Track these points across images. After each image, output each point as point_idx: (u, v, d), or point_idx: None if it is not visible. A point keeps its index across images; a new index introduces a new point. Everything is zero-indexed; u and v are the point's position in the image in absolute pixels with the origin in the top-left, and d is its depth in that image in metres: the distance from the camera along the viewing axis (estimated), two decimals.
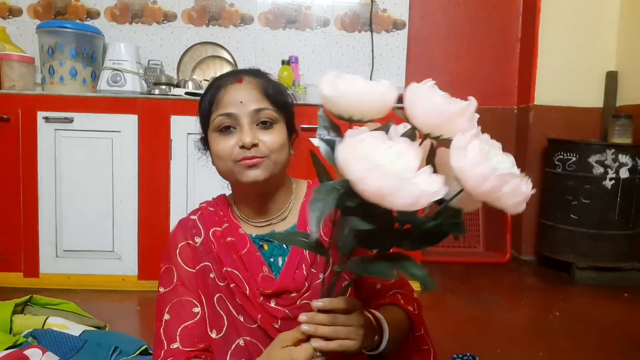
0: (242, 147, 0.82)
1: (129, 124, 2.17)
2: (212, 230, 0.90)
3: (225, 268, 0.87)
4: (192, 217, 0.94)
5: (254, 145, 0.82)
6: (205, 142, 0.91)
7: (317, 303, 0.70)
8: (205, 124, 0.89)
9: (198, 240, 0.90)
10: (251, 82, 0.86)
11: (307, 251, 0.87)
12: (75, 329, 1.44)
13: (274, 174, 0.85)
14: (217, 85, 0.87)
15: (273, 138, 0.84)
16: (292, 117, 0.91)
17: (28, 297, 1.59)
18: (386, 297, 0.90)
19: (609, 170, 2.43)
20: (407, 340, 0.89)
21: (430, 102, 0.56)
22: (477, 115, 0.58)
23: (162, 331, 0.86)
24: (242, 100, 0.84)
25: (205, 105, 0.88)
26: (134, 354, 1.32)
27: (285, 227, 0.91)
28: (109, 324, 1.63)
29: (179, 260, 0.90)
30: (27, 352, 1.19)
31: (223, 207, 0.94)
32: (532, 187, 0.54)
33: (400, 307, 0.88)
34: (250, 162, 0.82)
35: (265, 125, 0.85)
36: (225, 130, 0.84)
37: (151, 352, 1.31)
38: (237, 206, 0.93)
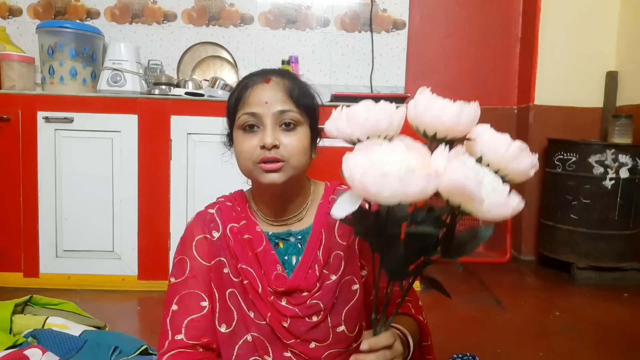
0: (263, 147, 0.83)
1: (129, 124, 2.17)
2: (229, 226, 0.91)
3: (240, 265, 0.88)
4: (210, 210, 0.94)
5: (275, 146, 0.83)
6: (230, 139, 0.92)
7: (364, 345, 0.70)
8: (231, 121, 0.90)
9: (216, 234, 0.91)
10: (278, 82, 0.87)
11: (320, 253, 0.89)
12: (75, 329, 1.43)
13: (293, 177, 0.85)
14: (245, 84, 0.88)
15: (294, 141, 0.84)
16: (316, 120, 0.91)
17: (28, 297, 1.59)
18: (396, 304, 0.91)
19: (609, 170, 2.43)
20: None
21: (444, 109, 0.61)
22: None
23: (168, 321, 0.87)
24: (267, 101, 0.84)
25: (232, 102, 0.89)
26: (134, 354, 1.31)
27: (301, 228, 0.92)
28: (109, 324, 1.62)
29: (194, 253, 0.90)
30: (27, 352, 1.18)
31: (241, 203, 0.94)
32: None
33: (413, 317, 0.90)
34: (269, 166, 0.83)
35: (289, 127, 0.85)
36: (249, 129, 0.85)
37: (151, 352, 1.32)
38: (256, 203, 0.94)
